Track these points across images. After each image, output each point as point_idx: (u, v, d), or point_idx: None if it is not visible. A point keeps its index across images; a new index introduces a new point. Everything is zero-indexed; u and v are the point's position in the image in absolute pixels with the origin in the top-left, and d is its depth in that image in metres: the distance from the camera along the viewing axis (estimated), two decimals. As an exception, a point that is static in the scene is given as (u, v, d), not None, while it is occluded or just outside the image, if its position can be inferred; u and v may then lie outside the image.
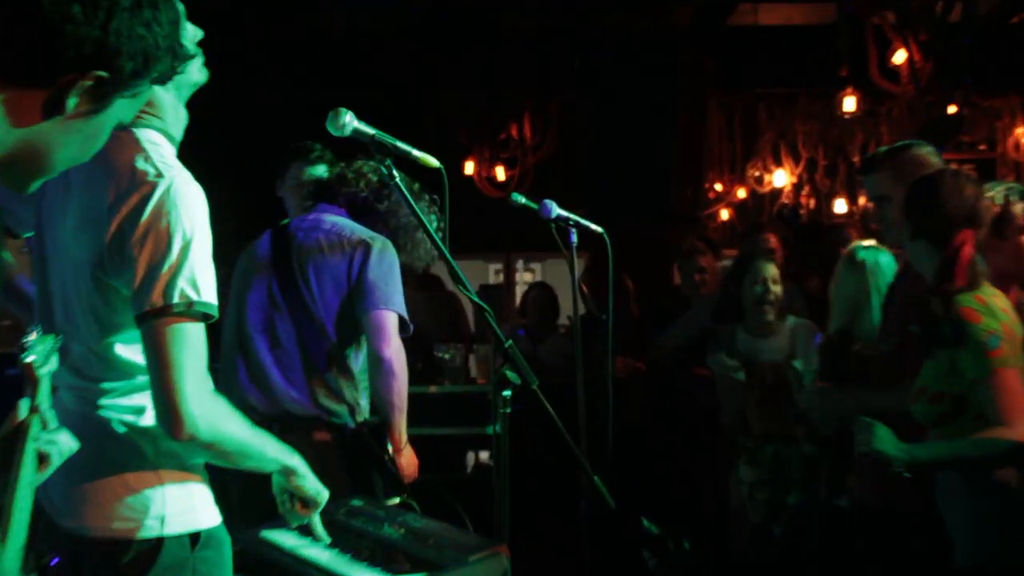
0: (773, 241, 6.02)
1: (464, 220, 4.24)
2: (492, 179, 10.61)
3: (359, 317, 3.59)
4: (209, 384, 2.05)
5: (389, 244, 3.68)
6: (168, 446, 2.12)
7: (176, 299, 2.00)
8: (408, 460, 3.66)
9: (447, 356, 6.04)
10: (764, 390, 4.84)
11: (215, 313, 2.06)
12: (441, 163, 2.64)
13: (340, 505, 2.95)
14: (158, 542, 2.12)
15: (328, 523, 2.76)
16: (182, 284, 2.01)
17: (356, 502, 2.97)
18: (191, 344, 2.02)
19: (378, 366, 3.53)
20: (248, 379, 3.66)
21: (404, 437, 3.63)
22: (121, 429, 2.16)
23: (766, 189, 10.79)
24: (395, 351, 3.53)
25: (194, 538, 2.16)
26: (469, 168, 10.57)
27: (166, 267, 2.01)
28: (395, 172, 2.54)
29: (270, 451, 2.25)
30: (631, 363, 6.27)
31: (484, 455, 6.79)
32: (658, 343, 6.14)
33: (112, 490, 2.13)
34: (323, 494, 2.39)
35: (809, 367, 4.71)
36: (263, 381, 3.63)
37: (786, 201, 10.73)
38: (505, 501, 2.57)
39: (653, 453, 6.18)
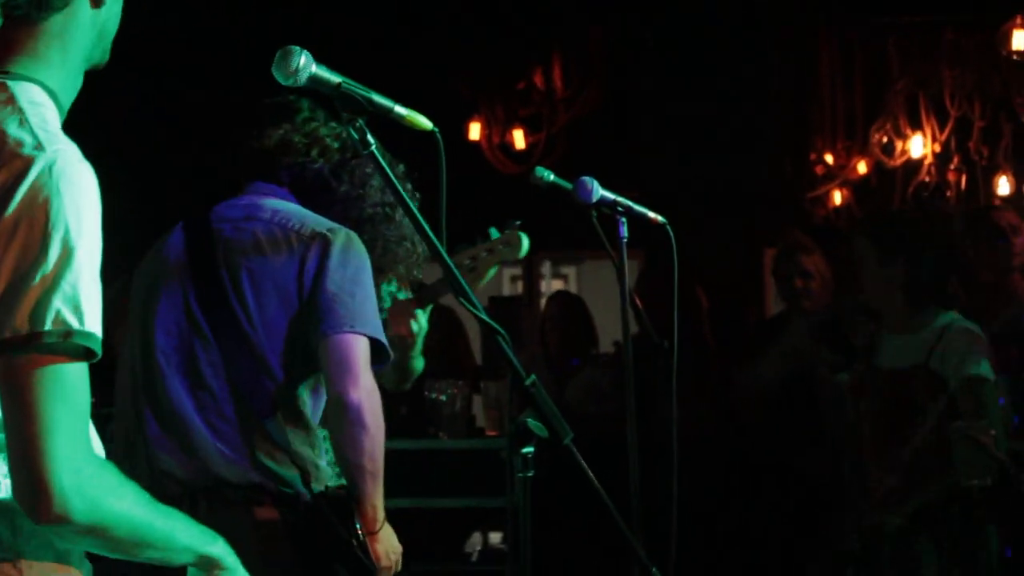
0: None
1: (468, 205, 4.26)
2: (508, 147, 10.62)
3: (314, 345, 3.57)
4: (88, 445, 2.07)
5: (355, 238, 3.65)
6: (31, 529, 2.13)
7: (49, 325, 2.00)
8: (385, 546, 3.65)
9: (443, 398, 6.07)
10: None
11: (98, 350, 2.07)
12: (436, 125, 2.67)
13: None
14: None
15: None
16: (58, 304, 2.01)
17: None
18: (66, 390, 2.03)
19: (341, 414, 3.51)
20: (159, 433, 3.64)
21: (380, 513, 3.62)
22: None
23: (898, 161, 10.78)
24: (365, 392, 3.51)
25: None
26: (475, 132, 10.58)
27: (37, 279, 2.01)
28: (370, 137, 2.57)
29: (181, 536, 2.25)
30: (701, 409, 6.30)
31: (495, 537, 6.81)
32: (742, 380, 6.16)
33: None
34: None
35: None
36: (182, 436, 3.61)
37: (926, 179, 10.72)
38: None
39: (734, 537, 6.20)
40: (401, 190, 2.63)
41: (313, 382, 3.66)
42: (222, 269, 3.66)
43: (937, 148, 10.72)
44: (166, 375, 3.65)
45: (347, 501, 3.60)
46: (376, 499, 3.59)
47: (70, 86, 2.28)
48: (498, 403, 6.10)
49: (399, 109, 2.63)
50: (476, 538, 6.86)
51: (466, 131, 10.45)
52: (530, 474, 2.62)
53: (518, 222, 4.21)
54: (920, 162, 10.71)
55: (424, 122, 2.66)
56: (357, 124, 2.55)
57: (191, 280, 3.70)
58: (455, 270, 2.61)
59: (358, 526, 3.57)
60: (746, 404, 6.10)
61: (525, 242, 4.17)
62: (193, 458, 3.60)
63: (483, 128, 10.57)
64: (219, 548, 2.31)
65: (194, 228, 3.79)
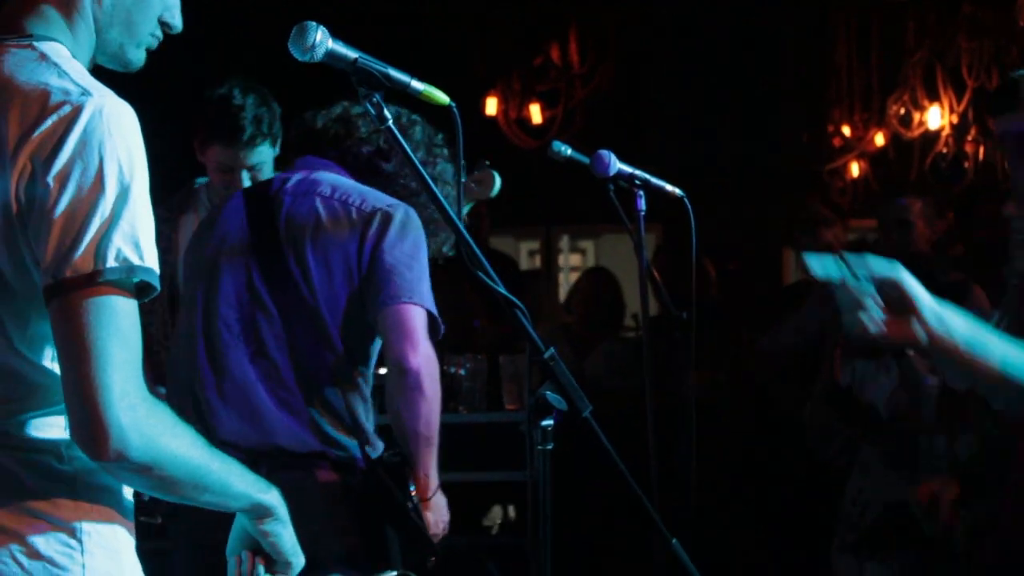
0: (916, 209, 6.03)
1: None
2: (525, 122, 10.61)
3: (373, 315, 3.65)
4: (143, 383, 2.08)
5: (413, 214, 3.72)
6: (91, 493, 2.17)
7: (112, 262, 2.03)
8: (437, 514, 3.74)
9: (462, 372, 6.08)
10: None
11: (157, 285, 2.10)
12: (452, 100, 2.67)
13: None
14: None
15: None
16: (119, 242, 2.04)
17: (336, 576, 3.00)
18: (123, 327, 2.05)
19: (401, 380, 3.60)
20: (220, 403, 3.70)
21: (433, 481, 3.71)
22: (28, 475, 2.18)
23: (915, 133, 10.75)
24: (424, 360, 3.59)
25: None
26: (491, 107, 10.58)
27: (96, 218, 2.04)
28: (387, 112, 2.57)
29: (236, 482, 2.27)
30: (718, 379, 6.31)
31: (514, 510, 6.82)
32: (763, 344, 6.16)
33: (6, 553, 2.15)
34: (300, 558, 2.42)
35: None
36: (245, 405, 3.68)
37: (944, 150, 10.69)
38: (545, 573, 2.60)
39: (753, 508, 6.20)
40: (417, 163, 2.63)
41: (369, 356, 3.74)
42: (285, 245, 3.72)
43: (954, 119, 10.68)
44: (229, 347, 3.72)
45: (402, 468, 3.68)
46: (430, 467, 3.68)
47: (84, 49, 2.30)
48: (516, 377, 6.10)
49: (416, 84, 2.63)
50: (496, 512, 6.87)
51: (483, 106, 10.45)
52: (549, 447, 2.62)
53: (487, 162, 4.26)
54: (937, 133, 10.68)
55: (441, 97, 2.66)
56: (374, 99, 2.55)
57: (254, 256, 3.76)
58: (472, 243, 2.61)
59: (413, 491, 3.65)
60: (766, 371, 6.11)
61: (497, 180, 4.21)
62: (255, 427, 3.67)
63: (500, 103, 10.57)
64: (273, 497, 2.34)
65: (254, 202, 3.85)
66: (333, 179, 3.80)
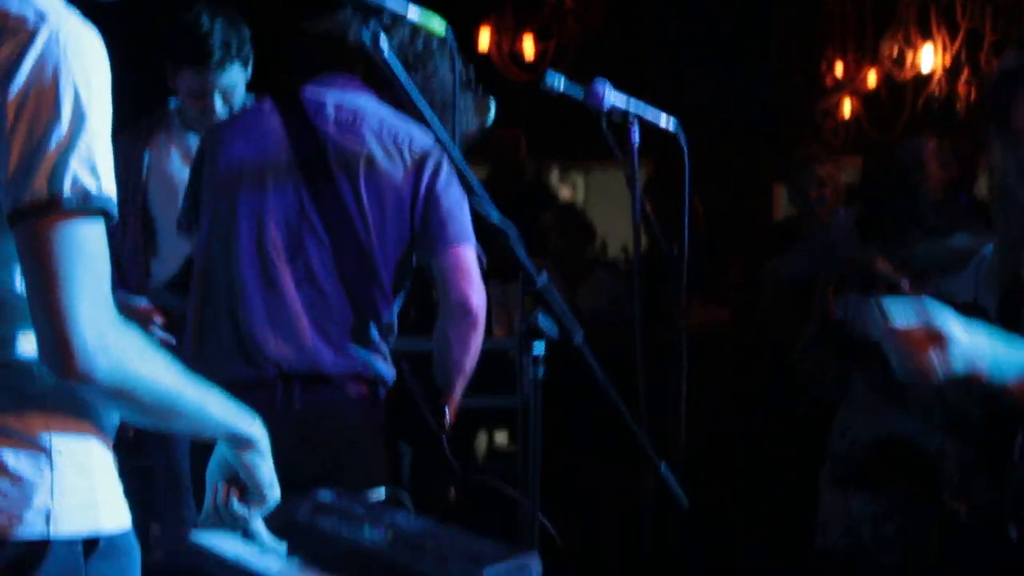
0: (932, 147, 6.02)
1: (479, 111, 4.27)
2: (518, 55, 10.57)
3: (430, 257, 3.74)
4: (112, 308, 2.08)
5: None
6: (64, 411, 2.17)
7: (67, 189, 2.02)
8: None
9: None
10: None
11: (114, 212, 2.09)
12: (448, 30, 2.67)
13: (302, 500, 3.00)
14: (40, 546, 2.14)
15: (288, 523, 2.81)
16: (75, 167, 2.03)
17: (325, 495, 3.02)
18: (87, 252, 2.04)
19: (463, 319, 3.70)
20: (263, 318, 3.75)
21: (453, 416, 3.79)
22: None
23: (908, 74, 10.73)
24: (484, 298, 3.73)
25: (89, 544, 2.19)
26: (484, 40, 10.53)
27: (52, 144, 2.03)
28: (383, 42, 2.57)
29: (214, 409, 2.29)
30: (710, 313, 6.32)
31: (503, 436, 6.84)
32: (769, 275, 6.17)
33: None
34: (276, 491, 2.45)
35: None
36: (287, 327, 3.74)
37: (936, 91, 10.68)
38: (534, 498, 2.62)
39: (740, 435, 6.24)
40: (415, 93, 2.63)
41: (402, 293, 3.83)
42: (340, 175, 3.73)
43: (947, 60, 10.66)
44: (278, 268, 3.75)
45: (436, 394, 3.78)
46: (459, 394, 3.78)
47: None
48: (508, 304, 6.12)
49: (412, 14, 2.63)
50: (482, 437, 6.89)
51: (475, 39, 10.40)
52: (540, 373, 2.64)
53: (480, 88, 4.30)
54: (931, 75, 10.66)
55: (437, 26, 2.67)
56: (371, 26, 2.56)
57: (304, 180, 3.77)
58: (467, 171, 2.62)
59: (447, 414, 3.75)
60: (775, 299, 6.12)
61: (493, 107, 4.23)
62: (294, 349, 3.73)
63: (492, 36, 10.52)
64: (255, 429, 2.36)
65: (293, 122, 3.81)
66: (375, 109, 3.78)
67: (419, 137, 3.74)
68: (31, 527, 2.14)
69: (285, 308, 3.72)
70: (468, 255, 3.71)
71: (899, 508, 4.81)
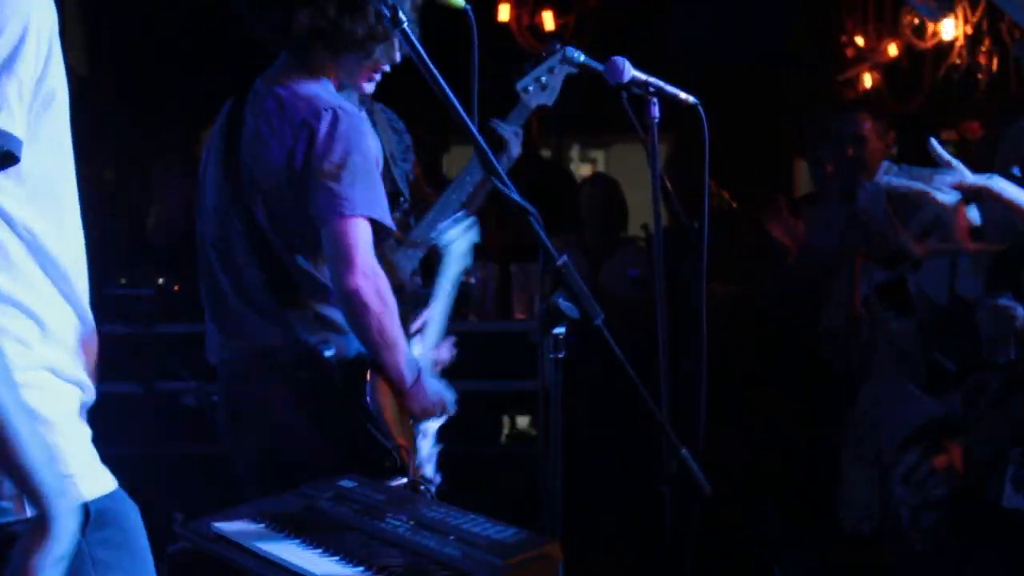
0: (869, 124, 5.96)
1: (497, 86, 4.23)
2: (537, 28, 10.55)
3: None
4: None
5: (344, 116, 3.63)
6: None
7: None
8: (421, 401, 3.75)
9: (472, 280, 6.07)
10: None
11: (15, 149, 2.03)
12: (467, 4, 2.64)
13: (324, 487, 2.99)
14: (24, 530, 2.09)
15: (307, 510, 2.80)
16: None
17: (346, 483, 3.02)
18: None
19: (342, 300, 3.58)
20: (211, 319, 3.83)
21: (406, 373, 3.68)
22: None
23: (929, 44, 10.67)
24: (361, 276, 3.53)
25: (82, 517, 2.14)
26: (504, 13, 10.52)
27: None
28: (402, 14, 2.54)
29: (31, 448, 2.05)
30: (732, 290, 6.28)
31: (524, 420, 6.84)
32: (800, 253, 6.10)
33: None
34: None
35: None
36: (225, 316, 3.78)
37: (957, 61, 10.61)
38: (556, 483, 2.60)
39: (764, 420, 6.21)
40: (433, 68, 2.60)
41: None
42: (245, 164, 3.71)
43: (968, 30, 10.60)
44: (212, 261, 3.79)
45: (366, 367, 3.69)
46: (397, 365, 3.65)
47: None
48: (528, 285, 6.09)
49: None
50: (504, 421, 6.88)
51: (495, 12, 10.39)
52: (561, 355, 2.62)
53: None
54: (951, 44, 10.60)
55: (457, 0, 2.63)
56: (389, 2, 2.53)
57: (222, 170, 3.78)
58: (487, 149, 2.59)
59: (368, 393, 3.64)
60: (796, 270, 6.06)
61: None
62: (237, 338, 3.75)
63: (512, 9, 10.51)
64: (64, 504, 2.08)
65: (230, 108, 3.84)
66: (278, 90, 3.71)
67: (304, 108, 3.64)
68: (5, 514, 2.12)
69: (220, 299, 3.76)
70: (340, 231, 3.52)
71: (940, 499, 4.77)
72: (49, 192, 2.18)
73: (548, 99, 4.37)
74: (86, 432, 2.26)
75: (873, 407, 5.23)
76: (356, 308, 3.54)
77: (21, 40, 2.02)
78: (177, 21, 9.32)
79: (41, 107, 2.09)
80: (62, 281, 2.22)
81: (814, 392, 5.93)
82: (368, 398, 3.63)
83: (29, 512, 2.09)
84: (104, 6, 9.33)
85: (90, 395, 2.29)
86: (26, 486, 2.06)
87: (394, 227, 3.70)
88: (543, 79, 4.33)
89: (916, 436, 4.87)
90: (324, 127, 3.59)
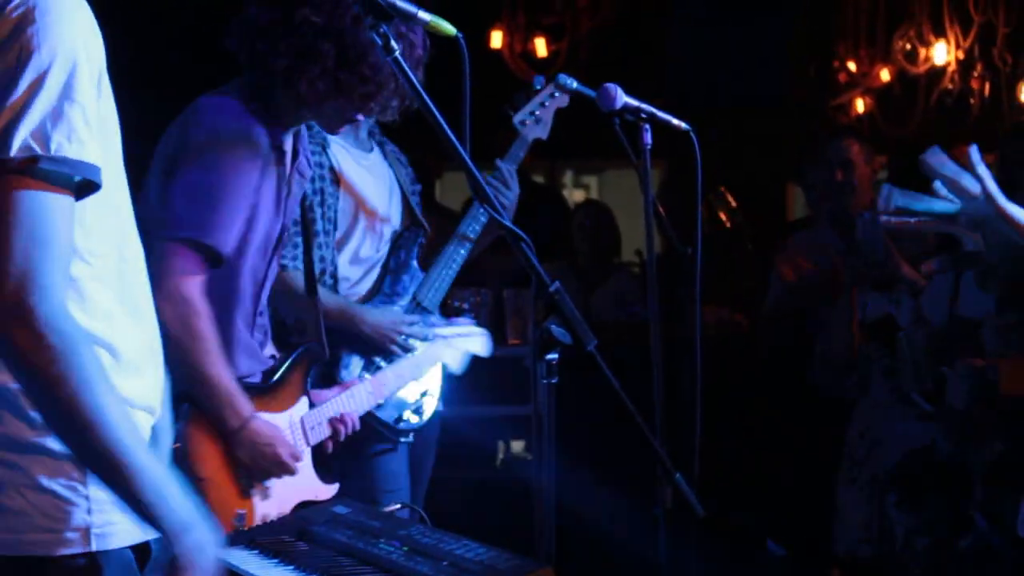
0: (856, 149, 5.97)
1: (490, 113, 4.24)
2: (530, 55, 10.56)
3: None
4: (58, 287, 2.01)
5: (193, 126, 3.57)
6: None
7: (13, 152, 1.97)
8: (248, 448, 3.53)
9: (465, 307, 6.07)
10: None
11: (95, 177, 2.04)
12: (459, 31, 2.65)
13: (320, 513, 2.99)
14: (88, 563, 2.14)
15: (301, 536, 2.80)
16: (24, 132, 1.98)
17: (340, 508, 3.02)
18: (38, 219, 1.98)
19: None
20: None
21: (233, 418, 3.49)
22: (27, 407, 2.12)
23: (921, 69, 10.70)
24: (163, 302, 3.04)
25: (142, 551, 2.19)
26: (497, 40, 10.53)
27: (5, 108, 1.99)
28: (393, 43, 2.55)
29: (168, 491, 2.11)
30: (726, 314, 6.28)
31: (518, 445, 6.83)
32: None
33: (8, 488, 2.12)
34: None
35: None
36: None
37: (949, 86, 10.64)
38: (550, 508, 2.60)
39: (757, 444, 6.21)
40: (426, 97, 2.60)
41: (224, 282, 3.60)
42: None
43: (960, 55, 10.63)
44: None
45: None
46: (216, 407, 3.47)
47: None
48: (521, 311, 6.09)
49: (423, 15, 2.61)
50: (499, 446, 6.88)
51: (487, 39, 10.40)
52: (554, 380, 2.62)
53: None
54: (943, 69, 10.62)
55: (447, 28, 2.65)
56: (381, 30, 2.53)
57: None
58: (479, 177, 2.59)
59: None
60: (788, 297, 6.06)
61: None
62: None
63: (505, 36, 10.52)
64: (189, 543, 2.14)
65: None
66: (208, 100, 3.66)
67: (172, 130, 3.60)
68: (72, 546, 2.13)
69: None
70: (157, 255, 3.24)
71: (934, 523, 4.78)
72: (110, 216, 2.20)
73: (543, 132, 4.42)
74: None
75: (868, 430, 5.24)
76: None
77: (75, 67, 2.03)
78: (177, 24, 9.34)
79: (97, 132, 2.09)
80: (130, 303, 2.23)
81: (809, 415, 5.92)
82: (179, 443, 3.35)
83: (95, 546, 2.13)
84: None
85: (158, 415, 2.31)
86: (152, 523, 2.11)
87: (219, 249, 3.50)
88: (537, 112, 4.38)
89: (908, 463, 4.89)
90: (161, 148, 3.58)
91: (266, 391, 3.70)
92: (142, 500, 2.08)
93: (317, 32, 3.44)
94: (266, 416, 3.61)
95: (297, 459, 3.59)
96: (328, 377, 4.11)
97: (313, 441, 3.72)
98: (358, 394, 3.89)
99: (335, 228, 4.31)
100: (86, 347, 2.03)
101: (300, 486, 3.62)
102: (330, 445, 3.76)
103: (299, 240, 4.12)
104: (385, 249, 4.44)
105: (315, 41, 3.45)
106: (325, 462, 3.76)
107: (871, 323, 5.27)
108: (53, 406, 2.03)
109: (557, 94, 4.34)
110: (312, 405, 3.77)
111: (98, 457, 2.05)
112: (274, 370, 3.75)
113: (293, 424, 3.70)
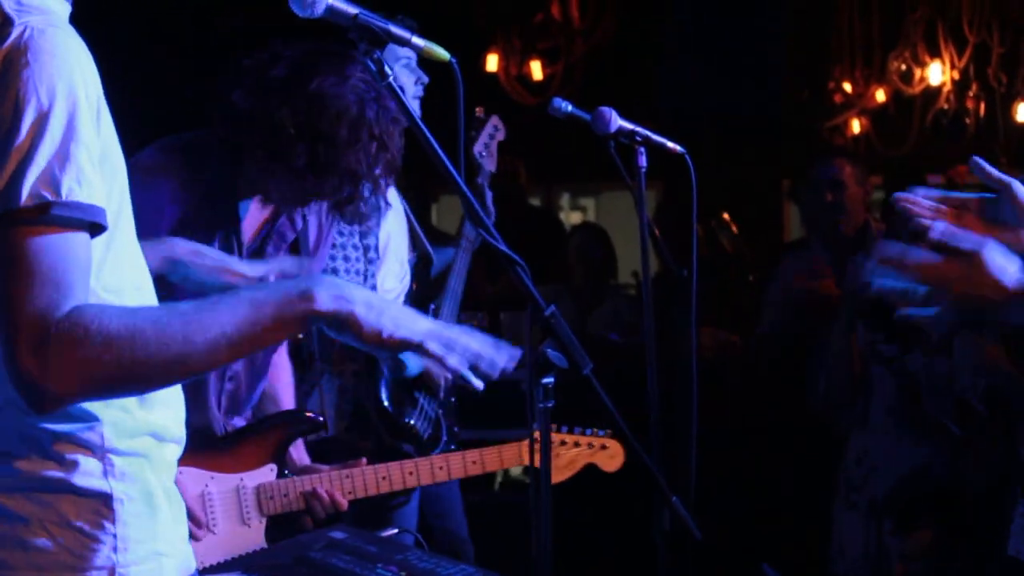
0: (848, 170, 5.97)
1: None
2: (525, 78, 10.59)
3: None
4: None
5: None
6: (121, 459, 2.12)
7: (23, 201, 1.95)
8: None
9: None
10: None
11: (102, 221, 2.02)
12: (453, 56, 2.65)
13: (316, 538, 2.99)
14: None
15: (298, 561, 2.80)
16: (31, 179, 1.96)
17: (337, 533, 3.01)
18: (56, 263, 1.96)
19: None
20: None
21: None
22: (54, 442, 2.11)
23: (916, 89, 10.72)
24: None
25: None
26: (492, 63, 10.55)
27: (10, 155, 1.96)
28: (387, 69, 2.55)
29: (232, 309, 2.10)
30: (722, 336, 6.27)
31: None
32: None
33: (35, 524, 2.11)
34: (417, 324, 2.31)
35: None
36: None
37: (945, 106, 10.66)
38: (546, 531, 2.60)
39: (754, 466, 6.21)
40: (418, 120, 2.61)
41: None
42: None
43: (956, 75, 10.65)
44: None
45: None
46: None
47: None
48: (517, 334, 6.09)
49: (417, 40, 2.61)
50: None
51: (483, 63, 10.42)
52: (550, 404, 2.62)
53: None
54: (938, 89, 10.65)
55: (442, 53, 2.64)
56: (374, 56, 2.54)
57: None
58: (474, 201, 2.59)
59: None
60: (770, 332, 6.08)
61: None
62: None
63: (500, 60, 10.55)
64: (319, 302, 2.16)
65: None
66: None
67: None
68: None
69: None
70: None
71: (929, 548, 4.77)
72: (123, 248, 2.18)
73: (493, 166, 4.46)
74: (182, 508, 2.27)
75: (866, 455, 5.22)
76: None
77: (76, 104, 2.01)
78: (176, 28, 9.35)
79: (100, 166, 2.06)
80: None
81: (806, 438, 5.92)
82: None
83: (113, 536, 2.11)
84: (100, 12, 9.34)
85: (183, 444, 2.30)
86: (292, 325, 2.13)
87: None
88: (488, 148, 4.45)
89: (906, 485, 4.88)
90: None
91: (217, 445, 3.65)
92: (295, 322, 2.12)
93: (291, 138, 3.46)
94: (213, 475, 3.57)
95: (199, 526, 3.50)
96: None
97: (271, 511, 3.64)
98: (357, 476, 3.76)
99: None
100: (124, 318, 2.00)
101: (231, 550, 3.53)
102: (308, 522, 3.64)
103: None
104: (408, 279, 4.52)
105: (289, 144, 3.47)
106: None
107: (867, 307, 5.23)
108: (182, 372, 2.06)
109: (499, 128, 4.44)
110: (283, 475, 3.70)
111: (246, 345, 2.09)
112: (240, 430, 3.72)
113: (242, 489, 3.63)
